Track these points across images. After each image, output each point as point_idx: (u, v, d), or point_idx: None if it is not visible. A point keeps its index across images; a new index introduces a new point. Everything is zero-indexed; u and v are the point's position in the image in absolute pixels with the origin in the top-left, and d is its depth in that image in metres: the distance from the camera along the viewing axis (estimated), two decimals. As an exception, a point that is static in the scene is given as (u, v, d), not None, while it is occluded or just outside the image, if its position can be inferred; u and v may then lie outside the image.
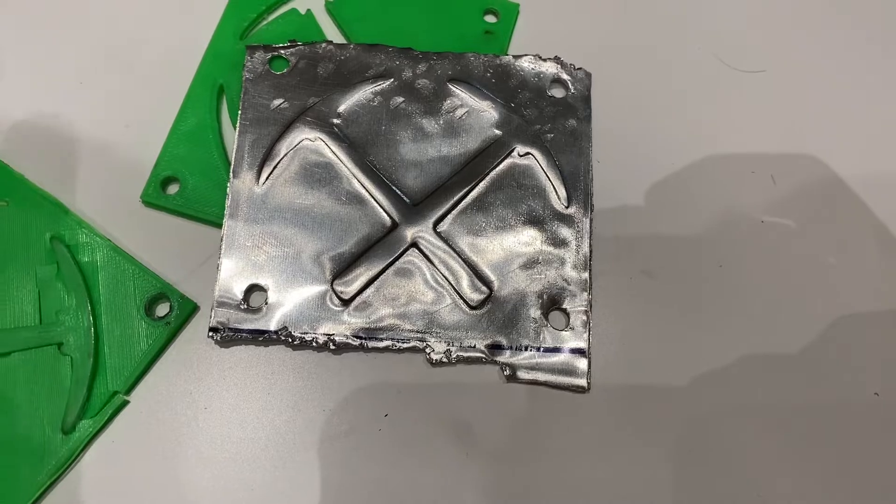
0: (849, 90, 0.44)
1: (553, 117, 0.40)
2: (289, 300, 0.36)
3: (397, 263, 0.37)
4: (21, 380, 0.34)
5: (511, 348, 0.36)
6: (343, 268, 0.36)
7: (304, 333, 0.35)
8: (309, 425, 0.35)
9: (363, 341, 0.35)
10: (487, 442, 0.35)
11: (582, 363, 0.36)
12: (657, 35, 0.44)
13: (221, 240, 0.36)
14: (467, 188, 0.38)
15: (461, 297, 0.36)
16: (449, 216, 0.38)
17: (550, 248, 0.37)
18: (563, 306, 0.37)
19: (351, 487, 0.34)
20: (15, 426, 0.33)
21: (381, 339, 0.35)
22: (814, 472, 0.35)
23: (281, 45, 0.40)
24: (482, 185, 0.38)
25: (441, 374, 0.36)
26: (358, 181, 0.38)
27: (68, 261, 0.36)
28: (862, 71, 0.44)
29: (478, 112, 0.40)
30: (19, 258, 0.36)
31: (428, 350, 0.35)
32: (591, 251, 0.38)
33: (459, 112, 0.39)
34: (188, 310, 0.36)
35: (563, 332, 0.36)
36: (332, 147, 0.38)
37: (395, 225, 0.37)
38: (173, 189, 0.38)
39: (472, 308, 0.36)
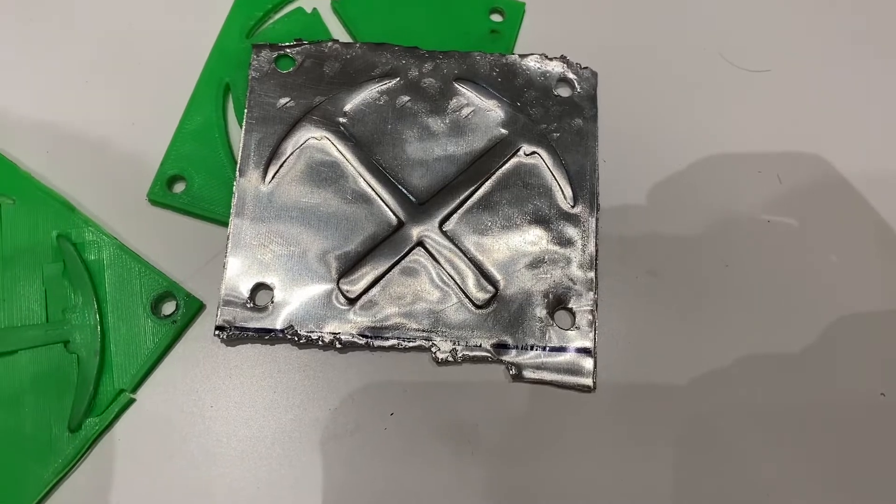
0: (854, 89, 0.44)
1: (559, 116, 0.40)
2: (295, 299, 0.36)
3: (403, 262, 0.37)
4: (28, 378, 0.34)
5: (517, 347, 0.36)
6: (349, 267, 0.36)
7: (310, 332, 0.35)
8: (315, 424, 0.35)
9: (369, 340, 0.35)
10: (493, 441, 0.35)
11: (588, 362, 0.36)
12: (663, 34, 0.44)
13: (227, 238, 0.36)
14: (473, 187, 0.38)
15: (467, 297, 0.36)
16: (455, 215, 0.38)
17: (556, 248, 0.37)
18: (569, 306, 0.37)
19: (356, 486, 0.34)
20: (22, 424, 0.33)
21: (387, 338, 0.35)
22: (821, 473, 0.35)
23: (287, 43, 0.40)
24: (488, 184, 0.38)
25: (447, 373, 0.36)
26: (364, 180, 0.38)
27: (75, 259, 0.36)
28: (867, 70, 0.44)
29: (484, 111, 0.40)
30: (26, 256, 0.36)
31: (434, 349, 0.35)
32: (596, 250, 0.38)
33: (465, 111, 0.39)
34: (194, 308, 0.36)
35: (569, 332, 0.36)
36: (338, 146, 0.38)
37: (400, 224, 0.37)
38: (179, 187, 0.38)
39: (477, 307, 0.36)
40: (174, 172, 0.38)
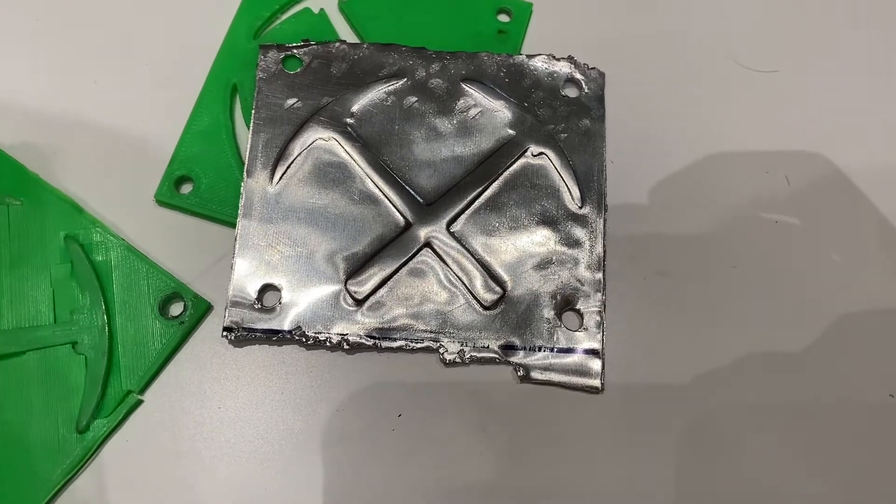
0: (862, 90, 0.44)
1: (566, 117, 0.40)
2: (302, 300, 0.36)
3: (411, 263, 0.37)
4: (35, 379, 0.34)
5: (524, 349, 0.36)
6: (357, 267, 0.36)
7: (318, 333, 0.35)
8: (322, 425, 0.35)
9: (377, 341, 0.35)
10: (501, 442, 0.35)
11: (596, 364, 0.36)
12: (670, 35, 0.44)
13: (235, 239, 0.36)
14: (481, 188, 0.38)
15: (474, 298, 0.36)
16: (462, 216, 0.38)
17: (564, 249, 0.37)
18: (577, 307, 0.37)
19: (364, 487, 0.34)
20: (30, 425, 0.34)
21: (395, 339, 0.35)
22: (829, 475, 0.35)
23: (294, 44, 0.40)
24: (496, 185, 0.38)
25: (454, 374, 0.36)
26: (371, 181, 0.38)
27: (82, 260, 0.36)
28: (875, 71, 0.44)
29: (491, 112, 0.39)
30: (34, 257, 0.36)
31: (441, 350, 0.35)
32: (604, 251, 0.38)
33: (473, 112, 0.39)
34: (202, 309, 0.36)
35: (577, 333, 0.36)
36: (345, 147, 0.38)
37: (408, 225, 0.37)
38: (187, 188, 0.38)
39: (485, 308, 0.36)
40: (182, 173, 0.38)
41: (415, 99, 0.39)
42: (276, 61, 0.39)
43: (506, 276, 0.37)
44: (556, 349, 0.36)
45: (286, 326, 0.35)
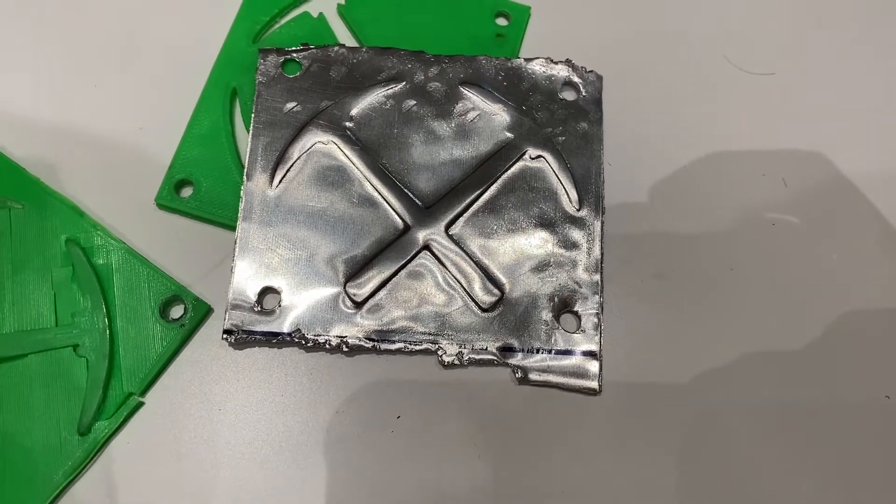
0: (858, 92, 0.44)
1: (564, 120, 0.40)
2: (302, 302, 0.36)
3: (409, 266, 0.37)
4: (37, 381, 0.34)
5: (523, 350, 0.36)
6: (356, 270, 0.36)
7: (318, 335, 0.35)
8: (322, 427, 0.35)
9: (376, 343, 0.36)
10: (499, 444, 0.35)
11: (593, 366, 0.36)
12: (668, 38, 0.44)
13: (235, 242, 0.36)
14: (479, 191, 0.38)
15: (473, 300, 0.37)
16: (461, 219, 0.38)
17: (562, 251, 0.38)
18: (575, 309, 0.37)
19: (363, 488, 0.34)
20: (31, 428, 0.34)
21: (394, 342, 0.36)
22: (827, 475, 0.35)
23: (293, 48, 0.40)
24: (494, 187, 0.38)
25: (453, 376, 0.36)
26: (370, 184, 0.38)
27: (83, 263, 0.36)
28: (871, 73, 0.44)
29: (489, 115, 0.40)
30: (35, 261, 0.36)
31: (440, 352, 0.36)
32: (602, 254, 0.38)
33: (471, 115, 0.40)
34: (202, 312, 0.36)
35: (575, 335, 0.36)
36: (344, 150, 0.38)
37: (407, 228, 0.37)
38: (187, 192, 0.38)
39: (483, 310, 0.36)
40: (182, 177, 0.38)
41: (413, 102, 0.40)
42: (275, 65, 0.40)
43: (504, 279, 0.37)
44: (553, 351, 0.36)
45: (286, 329, 0.35)
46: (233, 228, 0.37)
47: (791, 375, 0.37)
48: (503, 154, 0.39)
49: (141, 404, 0.35)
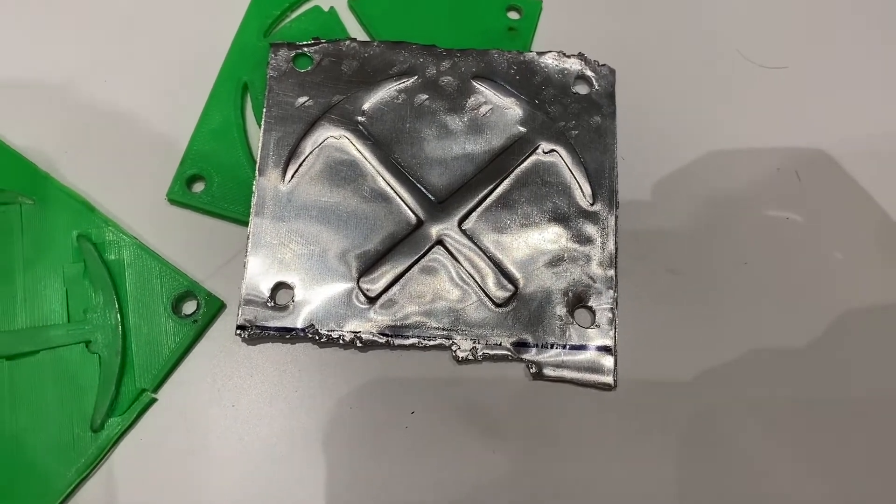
0: (871, 86, 0.43)
1: (577, 114, 0.40)
2: (315, 298, 0.36)
3: (423, 261, 0.37)
4: (49, 378, 0.34)
5: (537, 346, 0.36)
6: (369, 265, 0.36)
7: (331, 331, 0.35)
8: (336, 423, 0.35)
9: (389, 339, 0.35)
10: (514, 439, 0.35)
11: (608, 361, 0.36)
12: (680, 31, 0.44)
13: (248, 238, 0.36)
14: (492, 185, 0.38)
15: (486, 295, 0.36)
16: (474, 214, 0.38)
17: (576, 246, 0.37)
18: (589, 304, 0.37)
19: (378, 484, 0.34)
20: (44, 424, 0.34)
21: (408, 337, 0.35)
22: (842, 473, 0.35)
23: (305, 42, 0.40)
24: (507, 182, 0.38)
25: (467, 371, 0.36)
26: (383, 179, 0.38)
27: (95, 259, 0.36)
28: (884, 67, 0.44)
29: (502, 109, 0.39)
30: (47, 256, 0.36)
31: (454, 348, 0.35)
32: (616, 248, 0.37)
33: (483, 109, 0.39)
34: (215, 307, 0.36)
35: (589, 330, 0.36)
36: (356, 145, 0.38)
37: (420, 223, 0.37)
38: (199, 187, 0.38)
39: (497, 305, 0.36)
40: (193, 172, 0.38)
41: (425, 97, 0.39)
42: (286, 60, 0.39)
43: (518, 274, 0.37)
44: (568, 346, 0.36)
45: (299, 324, 0.35)
46: (245, 224, 0.37)
47: (807, 371, 0.37)
48: (516, 148, 0.39)
49: (154, 400, 0.35)
